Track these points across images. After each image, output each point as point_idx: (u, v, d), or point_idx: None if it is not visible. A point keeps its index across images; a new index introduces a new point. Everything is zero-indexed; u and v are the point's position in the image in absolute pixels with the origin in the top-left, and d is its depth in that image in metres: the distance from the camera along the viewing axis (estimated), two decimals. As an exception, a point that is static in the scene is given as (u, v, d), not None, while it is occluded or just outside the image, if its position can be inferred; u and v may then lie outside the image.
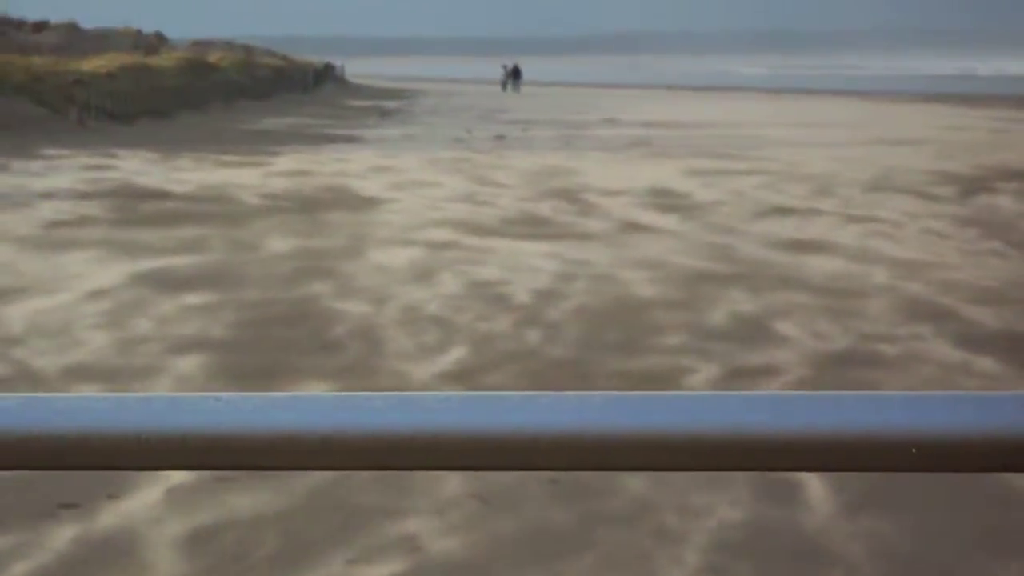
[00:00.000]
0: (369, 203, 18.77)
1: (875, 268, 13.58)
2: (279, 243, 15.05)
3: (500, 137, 33.69)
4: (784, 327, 10.66)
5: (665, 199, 19.57)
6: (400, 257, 14.12)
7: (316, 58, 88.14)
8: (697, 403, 1.11)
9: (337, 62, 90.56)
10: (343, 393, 1.16)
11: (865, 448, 1.09)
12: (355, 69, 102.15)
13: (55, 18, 64.04)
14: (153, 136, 33.78)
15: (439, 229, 16.24)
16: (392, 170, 24.29)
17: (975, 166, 25.09)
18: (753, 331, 10.54)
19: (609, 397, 1.11)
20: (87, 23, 64.73)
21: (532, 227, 16.59)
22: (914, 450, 1.08)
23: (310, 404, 1.10)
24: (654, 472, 0.94)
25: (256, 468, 1.11)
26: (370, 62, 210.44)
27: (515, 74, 75.59)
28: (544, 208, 18.47)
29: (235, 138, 33.63)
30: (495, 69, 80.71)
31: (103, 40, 60.04)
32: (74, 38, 59.94)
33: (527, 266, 13.56)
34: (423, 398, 1.11)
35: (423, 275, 13.03)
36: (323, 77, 75.40)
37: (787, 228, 16.62)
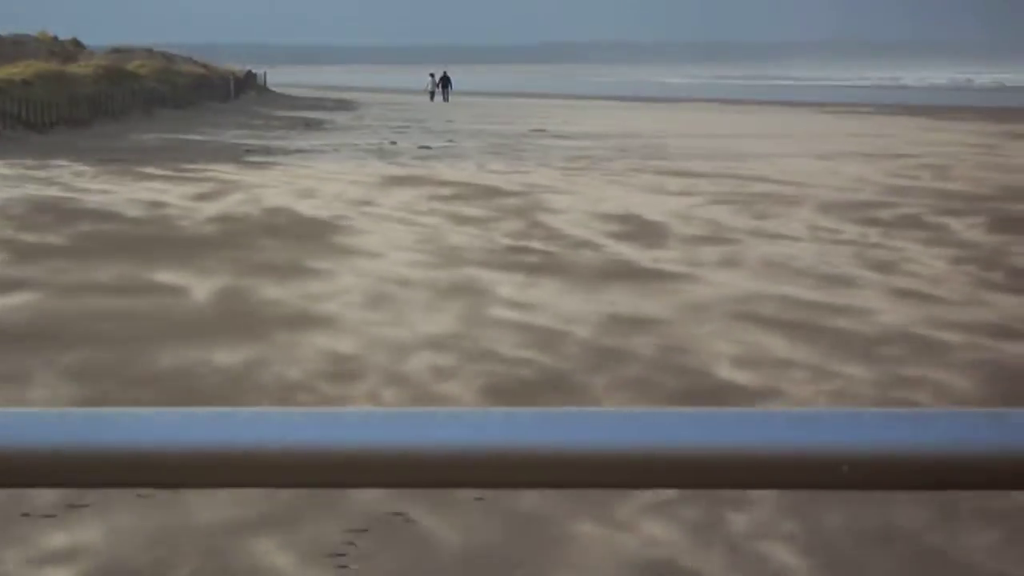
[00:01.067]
0: (318, 226, 19.01)
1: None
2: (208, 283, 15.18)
3: (425, 147, 33.95)
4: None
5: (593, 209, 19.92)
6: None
7: (237, 66, 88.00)
8: (628, 420, 1.11)
9: (259, 70, 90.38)
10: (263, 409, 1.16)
11: (795, 465, 1.08)
12: (278, 78, 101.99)
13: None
14: (70, 146, 33.74)
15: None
16: (318, 191, 24.49)
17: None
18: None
19: (533, 413, 1.12)
20: (1, 28, 64.30)
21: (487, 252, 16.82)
22: (845, 468, 1.07)
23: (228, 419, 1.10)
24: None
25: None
26: (293, 70, 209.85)
27: (444, 83, 75.67)
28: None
29: (154, 150, 33.66)
30: (423, 78, 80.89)
31: (18, 46, 59.75)
32: (-12, 45, 59.59)
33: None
34: (348, 414, 1.12)
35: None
36: (245, 85, 75.34)
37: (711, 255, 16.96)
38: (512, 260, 15.28)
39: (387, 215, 19.31)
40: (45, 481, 1.10)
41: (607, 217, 19.26)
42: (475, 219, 18.95)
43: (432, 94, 75.50)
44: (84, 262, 14.87)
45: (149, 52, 72.99)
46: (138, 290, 13.31)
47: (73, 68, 49.22)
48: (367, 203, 20.97)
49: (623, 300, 12.86)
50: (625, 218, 19.12)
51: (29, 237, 16.84)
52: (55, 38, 65.99)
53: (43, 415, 1.10)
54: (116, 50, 71.70)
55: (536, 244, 16.44)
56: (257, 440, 1.07)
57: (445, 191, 22.76)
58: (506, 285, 13.59)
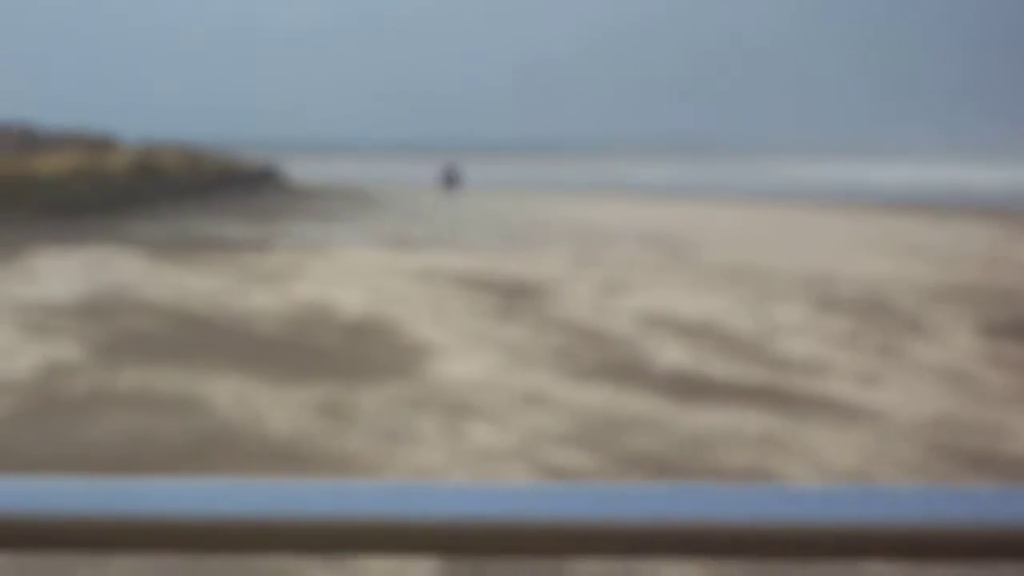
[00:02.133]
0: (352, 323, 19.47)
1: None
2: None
3: (433, 235, 34.51)
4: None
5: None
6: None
7: (258, 158, 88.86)
8: (622, 494, 1.07)
9: (281, 162, 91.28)
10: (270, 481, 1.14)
11: (774, 540, 1.05)
12: (296, 169, 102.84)
13: (8, 118, 64.49)
14: (107, 235, 34.32)
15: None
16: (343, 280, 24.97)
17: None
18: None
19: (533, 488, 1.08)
20: (43, 121, 65.20)
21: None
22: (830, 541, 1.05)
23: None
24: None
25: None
26: (311, 161, 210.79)
27: (453, 176, 76.65)
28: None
29: (185, 240, 34.24)
30: (433, 169, 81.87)
31: (58, 140, 60.60)
32: (28, 138, 60.47)
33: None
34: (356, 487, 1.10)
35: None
36: (267, 177, 76.19)
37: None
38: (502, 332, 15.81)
39: (421, 309, 19.86)
40: (68, 546, 1.07)
41: (628, 312, 19.79)
42: (484, 301, 19.51)
43: (441, 186, 76.45)
44: (116, 366, 15.34)
45: (177, 147, 73.84)
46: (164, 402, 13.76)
47: (107, 162, 49.99)
48: (394, 296, 21.49)
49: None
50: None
51: (97, 329, 17.36)
52: (90, 134, 66.92)
53: (67, 483, 1.07)
54: (146, 145, 72.59)
55: (526, 317, 17.01)
56: (277, 510, 1.06)
57: (461, 278, 23.32)
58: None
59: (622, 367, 13.56)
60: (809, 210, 56.10)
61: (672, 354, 14.60)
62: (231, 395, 11.89)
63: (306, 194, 69.62)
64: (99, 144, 63.87)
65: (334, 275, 23.31)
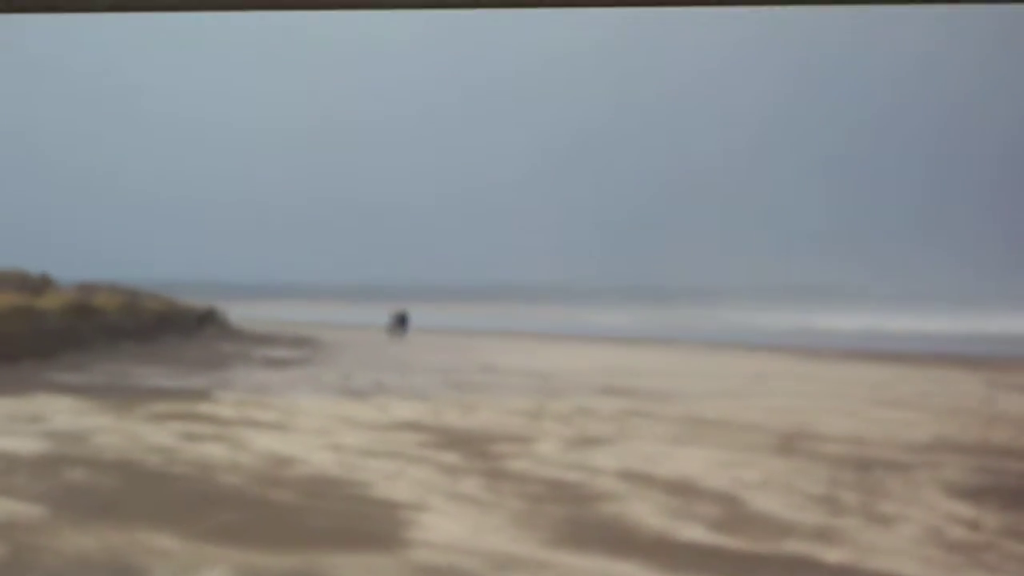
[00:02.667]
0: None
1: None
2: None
3: (381, 382, 33.45)
4: None
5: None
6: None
7: (199, 301, 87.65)
8: None
9: (220, 305, 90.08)
10: None
11: None
12: (238, 312, 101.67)
13: (-58, 258, 63.08)
14: (35, 377, 33.08)
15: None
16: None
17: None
18: None
19: None
20: (-26, 264, 63.90)
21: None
22: None
23: None
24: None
25: None
26: (254, 305, 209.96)
27: (402, 321, 75.68)
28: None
29: (125, 387, 33.02)
30: (378, 314, 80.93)
31: (-11, 281, 59.23)
32: (-40, 278, 59.08)
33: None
34: None
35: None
36: (206, 320, 74.85)
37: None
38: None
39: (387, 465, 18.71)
40: None
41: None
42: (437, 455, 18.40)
43: (390, 331, 75.31)
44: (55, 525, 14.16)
45: (113, 287, 72.49)
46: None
47: (41, 302, 48.68)
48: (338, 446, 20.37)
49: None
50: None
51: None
52: (25, 273, 65.56)
53: None
54: (83, 286, 71.23)
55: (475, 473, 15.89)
56: None
57: (409, 429, 22.23)
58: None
59: (603, 531, 12.43)
60: (771, 357, 55.35)
61: (653, 519, 13.47)
62: (187, 563, 10.63)
63: (251, 338, 68.42)
64: (34, 284, 62.52)
65: (286, 427, 22.10)
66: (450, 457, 17.71)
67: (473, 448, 18.88)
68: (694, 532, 12.49)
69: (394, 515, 13.23)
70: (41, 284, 64.04)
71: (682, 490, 15.13)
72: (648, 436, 20.97)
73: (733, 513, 13.74)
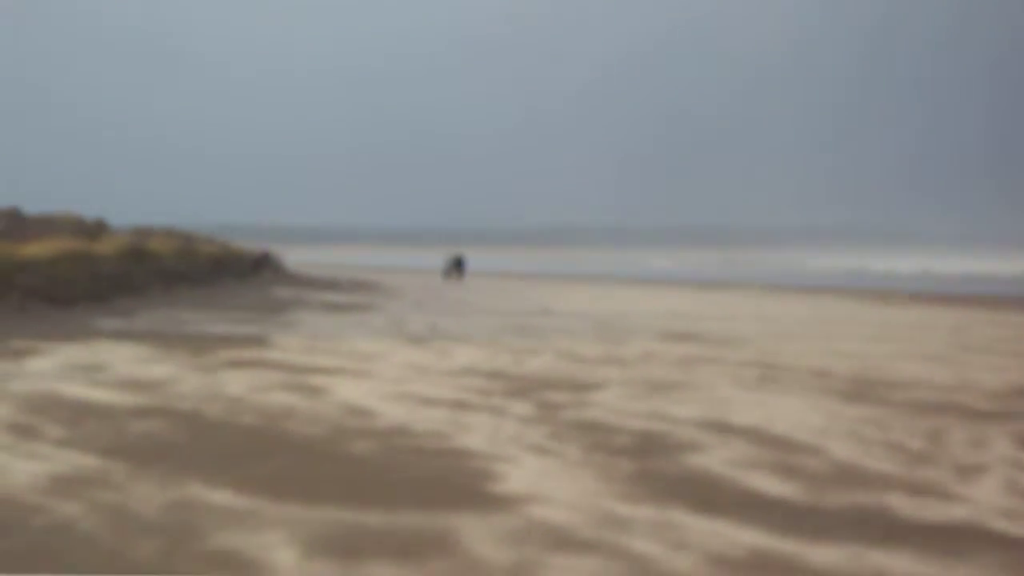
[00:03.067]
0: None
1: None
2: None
3: (446, 326, 32.95)
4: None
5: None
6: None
7: (254, 245, 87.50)
8: None
9: (276, 249, 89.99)
10: None
11: None
12: (293, 257, 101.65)
13: (-2, 203, 63.01)
14: (92, 323, 32.80)
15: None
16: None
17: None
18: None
19: None
20: (30, 209, 63.89)
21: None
22: None
23: None
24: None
25: None
26: (308, 250, 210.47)
27: (459, 264, 75.12)
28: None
29: (186, 333, 32.65)
30: (434, 258, 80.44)
31: (45, 225, 59.13)
32: (16, 223, 59.00)
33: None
34: None
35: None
36: (262, 265, 74.64)
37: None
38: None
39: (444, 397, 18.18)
40: None
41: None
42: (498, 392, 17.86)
43: (447, 274, 74.73)
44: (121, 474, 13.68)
45: (169, 232, 72.46)
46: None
47: (97, 247, 48.46)
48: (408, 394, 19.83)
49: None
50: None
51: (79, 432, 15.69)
52: (80, 218, 65.45)
53: None
54: (138, 230, 71.16)
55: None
56: None
57: (472, 373, 21.71)
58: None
59: (698, 485, 11.88)
60: (833, 300, 54.55)
61: (735, 470, 12.90)
62: (269, 520, 10.12)
63: (307, 282, 68.13)
64: (88, 228, 62.38)
65: (352, 374, 21.62)
66: (522, 406, 17.20)
67: (543, 396, 18.36)
68: (775, 484, 11.94)
69: (475, 467, 12.73)
70: (96, 229, 63.93)
71: (760, 439, 14.56)
72: (719, 382, 20.37)
73: (814, 463, 13.19)
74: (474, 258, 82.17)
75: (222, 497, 11.11)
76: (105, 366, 21.72)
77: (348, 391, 18.65)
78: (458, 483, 11.90)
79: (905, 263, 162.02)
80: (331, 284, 66.65)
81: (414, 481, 11.97)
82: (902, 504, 11.38)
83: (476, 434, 14.76)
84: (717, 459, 13.50)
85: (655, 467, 12.96)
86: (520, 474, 12.40)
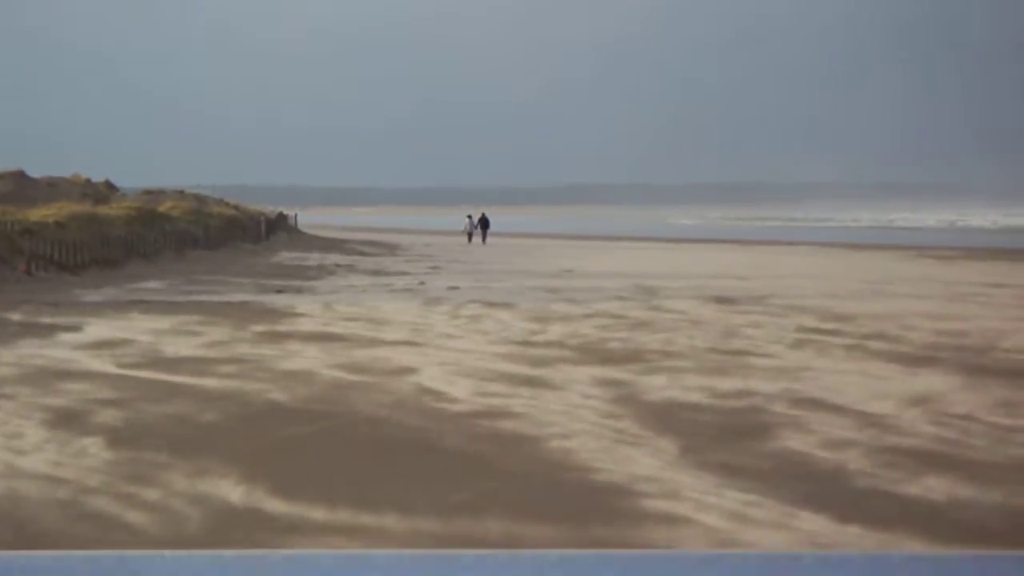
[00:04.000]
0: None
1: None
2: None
3: (477, 289, 31.62)
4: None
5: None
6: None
7: (268, 207, 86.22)
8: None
9: (289, 211, 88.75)
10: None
11: None
12: (308, 219, 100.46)
13: (2, 166, 61.81)
14: (99, 290, 31.60)
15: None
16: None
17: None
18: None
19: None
20: (35, 172, 62.63)
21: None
22: None
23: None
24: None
25: None
26: (323, 211, 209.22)
27: (483, 224, 73.60)
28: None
29: (191, 298, 31.41)
30: (454, 219, 79.03)
31: (52, 188, 57.94)
32: (22, 186, 57.81)
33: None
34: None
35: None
36: (276, 226, 73.38)
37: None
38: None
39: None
40: None
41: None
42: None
43: (470, 235, 73.28)
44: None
45: (180, 193, 71.23)
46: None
47: (105, 210, 47.23)
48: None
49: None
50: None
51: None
52: (88, 180, 64.20)
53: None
54: (147, 192, 69.92)
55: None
56: None
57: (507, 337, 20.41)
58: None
59: (773, 463, 10.62)
60: (872, 256, 53.12)
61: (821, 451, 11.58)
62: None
63: (324, 245, 66.87)
64: (97, 191, 61.15)
65: (414, 345, 20.33)
66: (569, 375, 15.94)
67: (591, 366, 17.10)
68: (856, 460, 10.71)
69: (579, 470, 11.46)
70: (104, 191, 62.71)
71: (827, 410, 13.30)
72: (765, 346, 19.06)
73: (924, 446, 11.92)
74: (496, 218, 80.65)
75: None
76: (129, 341, 20.40)
77: (419, 368, 17.30)
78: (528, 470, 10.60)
79: (931, 217, 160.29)
80: (350, 246, 65.36)
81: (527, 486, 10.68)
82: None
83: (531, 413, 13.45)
84: (797, 438, 12.19)
85: (739, 446, 11.64)
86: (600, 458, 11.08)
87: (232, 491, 9.94)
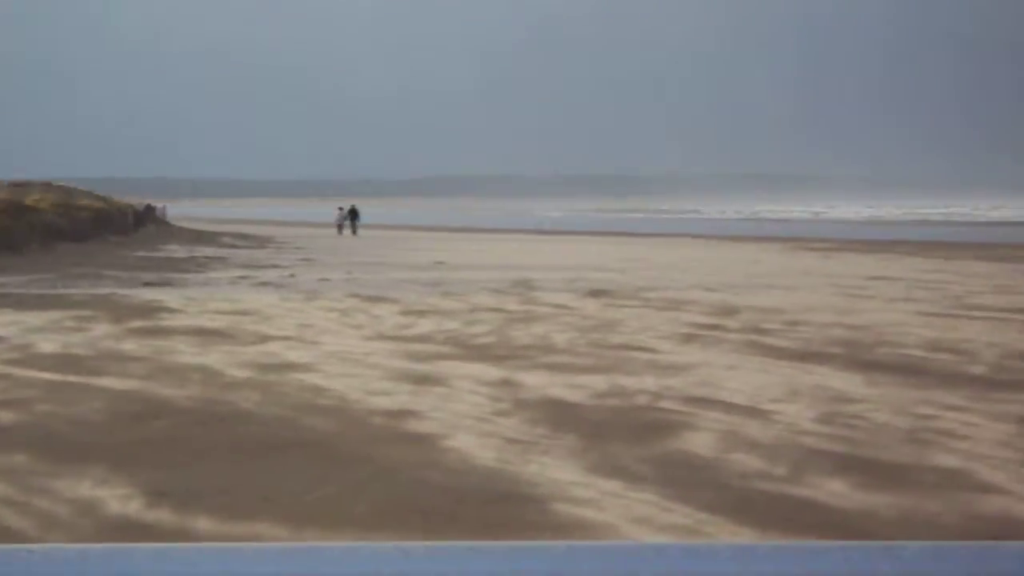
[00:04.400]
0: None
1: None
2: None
3: (345, 281, 31.21)
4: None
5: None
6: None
7: (136, 199, 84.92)
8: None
9: (159, 204, 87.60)
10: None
11: None
12: (177, 211, 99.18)
13: None
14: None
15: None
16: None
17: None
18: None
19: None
20: None
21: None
22: None
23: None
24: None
25: None
26: (193, 204, 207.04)
27: (353, 216, 73.09)
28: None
29: (56, 289, 30.64)
30: (325, 210, 78.33)
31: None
32: None
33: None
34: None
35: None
36: (145, 219, 72.26)
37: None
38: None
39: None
40: None
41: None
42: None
43: (340, 227, 72.74)
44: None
45: (47, 185, 69.87)
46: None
47: (-30, 201, 46.04)
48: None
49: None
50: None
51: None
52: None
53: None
54: (15, 184, 68.50)
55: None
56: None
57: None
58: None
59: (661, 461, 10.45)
60: (758, 248, 53.46)
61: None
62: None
63: (194, 237, 65.92)
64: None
65: (243, 338, 19.91)
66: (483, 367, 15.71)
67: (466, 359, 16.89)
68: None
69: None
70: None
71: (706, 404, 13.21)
72: (649, 341, 18.97)
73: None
74: (367, 210, 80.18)
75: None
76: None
77: (299, 364, 16.93)
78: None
79: (799, 209, 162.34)
80: (220, 239, 64.48)
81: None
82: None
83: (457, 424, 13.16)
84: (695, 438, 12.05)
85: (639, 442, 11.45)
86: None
87: (99, 491, 9.57)
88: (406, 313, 23.51)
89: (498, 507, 9.34)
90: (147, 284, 31.02)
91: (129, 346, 18.24)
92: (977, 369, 16.41)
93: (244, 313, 23.41)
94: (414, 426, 12.26)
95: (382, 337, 19.65)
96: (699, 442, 11.60)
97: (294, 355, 17.30)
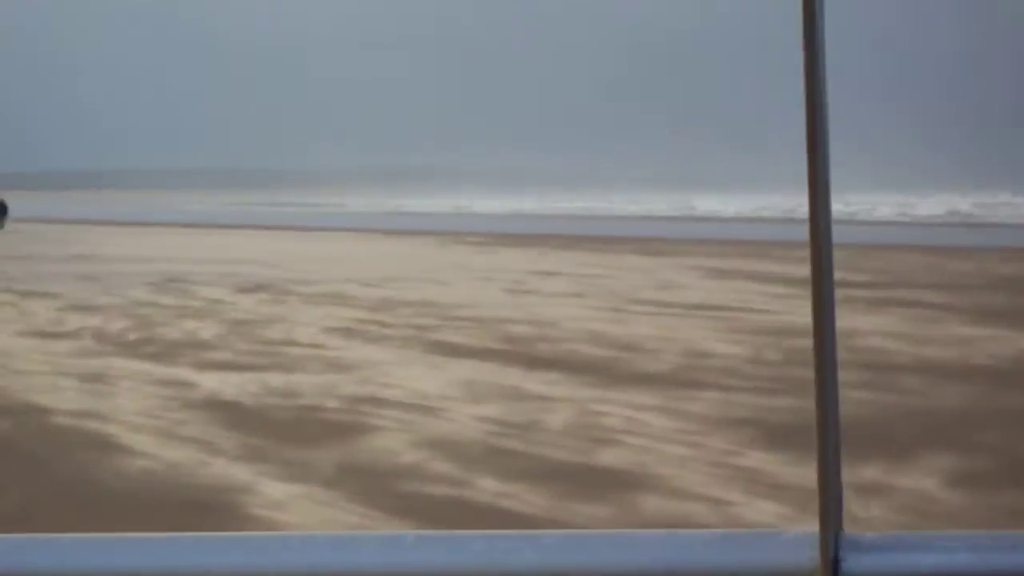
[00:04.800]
0: None
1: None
2: None
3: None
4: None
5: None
6: None
7: None
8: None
9: None
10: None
11: None
12: None
13: None
14: None
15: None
16: None
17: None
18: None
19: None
20: None
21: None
22: None
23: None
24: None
25: None
26: None
27: (0, 209, 70.15)
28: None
29: None
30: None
31: None
32: None
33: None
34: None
35: None
36: None
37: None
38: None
39: None
40: None
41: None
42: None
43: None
44: None
45: None
46: None
47: None
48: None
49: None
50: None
51: None
52: None
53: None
54: None
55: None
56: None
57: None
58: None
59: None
60: (400, 242, 53.69)
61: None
62: None
63: None
64: None
65: None
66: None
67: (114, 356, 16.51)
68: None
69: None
70: None
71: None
72: (311, 336, 18.92)
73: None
74: (14, 204, 77.31)
75: None
76: None
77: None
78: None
79: (444, 203, 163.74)
80: None
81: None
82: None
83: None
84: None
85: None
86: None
87: None
88: (62, 309, 22.85)
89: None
90: None
91: None
92: (653, 366, 16.84)
93: None
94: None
95: (37, 334, 19.07)
96: (374, 443, 11.68)
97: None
